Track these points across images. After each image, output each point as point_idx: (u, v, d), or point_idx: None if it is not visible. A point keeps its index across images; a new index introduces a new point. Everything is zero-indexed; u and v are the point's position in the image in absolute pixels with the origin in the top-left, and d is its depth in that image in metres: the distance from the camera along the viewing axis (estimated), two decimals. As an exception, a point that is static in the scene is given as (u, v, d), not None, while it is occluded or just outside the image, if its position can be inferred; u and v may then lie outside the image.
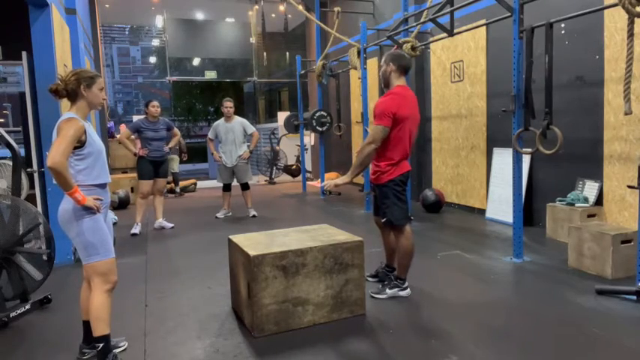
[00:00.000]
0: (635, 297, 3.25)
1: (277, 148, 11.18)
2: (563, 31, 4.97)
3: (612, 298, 3.31)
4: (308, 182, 10.11)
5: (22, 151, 4.35)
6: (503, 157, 5.89)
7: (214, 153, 6.76)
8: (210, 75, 13.79)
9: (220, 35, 12.77)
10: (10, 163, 4.22)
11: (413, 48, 5.83)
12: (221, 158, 6.65)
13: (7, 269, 3.29)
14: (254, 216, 6.75)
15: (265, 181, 11.25)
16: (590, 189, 4.79)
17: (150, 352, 2.78)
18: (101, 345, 2.50)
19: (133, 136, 6.12)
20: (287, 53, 13.96)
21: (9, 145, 3.86)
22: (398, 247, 3.48)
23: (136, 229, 5.92)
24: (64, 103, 4.76)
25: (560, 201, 4.98)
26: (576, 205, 4.73)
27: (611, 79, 4.52)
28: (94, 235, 2.49)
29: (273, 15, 12.89)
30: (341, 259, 3.07)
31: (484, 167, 6.30)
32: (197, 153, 17.21)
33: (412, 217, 5.83)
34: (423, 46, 6.18)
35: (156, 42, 14.35)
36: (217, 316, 3.28)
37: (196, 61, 14.09)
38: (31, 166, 4.50)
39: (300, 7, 8.95)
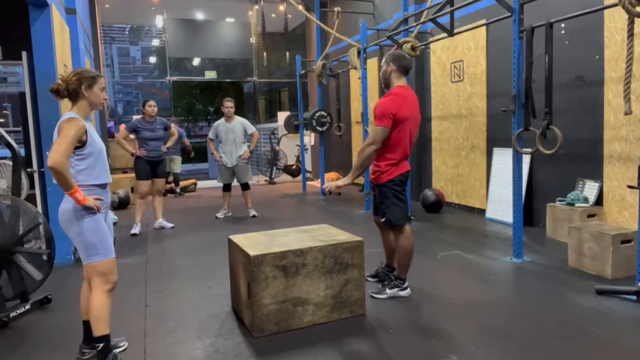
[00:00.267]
0: (635, 297, 3.25)
1: (277, 148, 11.18)
2: (563, 31, 4.97)
3: (612, 298, 3.31)
4: (308, 182, 10.11)
5: (22, 151, 4.35)
6: (503, 157, 5.89)
7: (214, 153, 6.76)
8: (210, 75, 13.79)
9: (220, 35, 12.77)
10: (10, 163, 4.22)
11: (413, 48, 5.83)
12: (221, 158, 6.65)
13: (7, 269, 3.29)
14: (254, 216, 6.75)
15: (265, 181, 11.25)
16: (590, 189, 4.79)
17: (150, 352, 2.78)
18: (101, 345, 2.50)
19: (131, 136, 6.11)
20: (287, 53, 13.96)
21: (9, 145, 3.86)
22: (398, 247, 3.48)
23: (135, 229, 5.92)
24: (64, 103, 4.76)
25: (560, 201, 4.98)
26: (576, 205, 4.73)
27: (611, 79, 4.52)
28: (94, 235, 2.49)
29: (273, 15, 12.89)
30: (341, 259, 3.07)
31: (484, 167, 6.30)
32: (197, 153, 17.21)
33: (412, 217, 5.83)
34: (423, 46, 6.17)
35: (156, 42, 14.35)
36: (217, 316, 3.28)
37: (196, 61, 14.09)
38: (31, 166, 4.50)
39: (300, 7, 8.95)
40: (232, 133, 6.57)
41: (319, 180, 9.48)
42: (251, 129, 6.69)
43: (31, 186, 4.57)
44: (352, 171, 3.40)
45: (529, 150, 4.31)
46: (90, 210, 2.47)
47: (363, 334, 2.91)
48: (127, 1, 11.85)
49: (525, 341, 2.76)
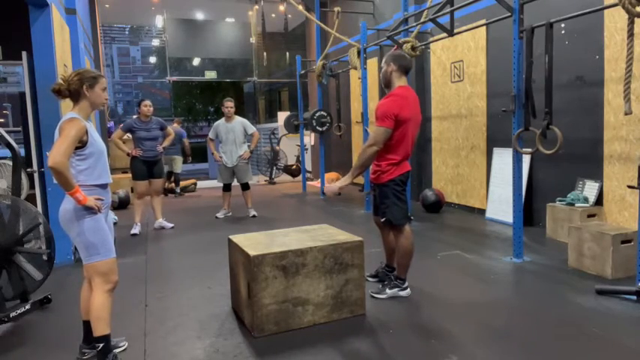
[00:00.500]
0: (635, 297, 3.25)
1: (277, 148, 11.18)
2: (563, 31, 4.97)
3: (612, 298, 3.31)
4: (308, 182, 10.11)
5: (22, 151, 4.35)
6: (503, 157, 5.89)
7: (215, 153, 6.76)
8: (210, 75, 13.80)
9: (220, 35, 12.77)
10: (10, 163, 4.22)
11: (413, 48, 5.83)
12: (221, 158, 6.65)
13: (7, 269, 3.29)
14: (254, 216, 6.75)
15: (265, 181, 11.25)
16: (590, 189, 4.79)
17: (150, 352, 2.78)
18: (101, 345, 2.50)
19: (127, 136, 6.08)
20: (287, 53, 13.97)
21: (9, 145, 3.86)
22: (398, 247, 3.48)
23: (135, 230, 5.92)
24: (64, 103, 4.76)
25: (560, 201, 4.98)
26: (576, 205, 4.73)
27: (611, 79, 4.52)
28: (94, 234, 2.49)
29: (273, 15, 12.89)
30: (341, 259, 3.07)
31: (484, 167, 6.30)
32: (197, 153, 17.22)
33: (412, 217, 5.83)
34: (423, 46, 6.17)
35: (156, 42, 14.36)
36: (217, 316, 3.28)
37: (196, 61, 14.09)
38: (31, 166, 4.50)
39: (300, 7, 8.95)
40: (232, 133, 6.57)
41: (319, 180, 9.49)
42: (251, 129, 6.69)
43: (31, 186, 4.57)
44: (352, 170, 3.40)
45: (529, 150, 4.31)
46: (90, 210, 2.47)
47: (363, 334, 2.91)
48: (127, 1, 11.85)
49: (525, 341, 2.76)
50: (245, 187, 6.79)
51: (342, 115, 8.87)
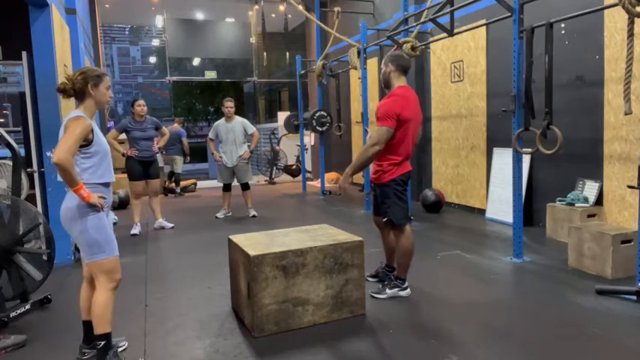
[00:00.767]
0: (635, 297, 3.25)
1: (277, 148, 11.18)
2: (563, 31, 4.96)
3: (612, 298, 3.31)
4: (308, 182, 10.12)
5: (22, 151, 4.35)
6: (503, 157, 5.89)
7: (215, 153, 6.76)
8: (210, 75, 13.79)
9: (220, 35, 12.77)
10: (10, 163, 4.22)
11: (413, 48, 5.83)
12: (221, 158, 6.65)
13: (7, 269, 3.29)
14: (254, 216, 6.75)
15: (265, 181, 11.25)
16: (590, 189, 4.79)
17: (150, 352, 2.78)
18: (102, 343, 2.51)
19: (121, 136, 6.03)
20: (287, 53, 13.96)
21: (9, 145, 3.85)
22: (398, 247, 3.48)
23: (135, 230, 5.91)
24: (64, 103, 4.77)
25: (560, 201, 4.98)
26: (576, 205, 4.73)
27: (611, 79, 4.52)
28: (98, 232, 2.49)
29: (273, 15, 12.88)
30: (341, 259, 3.07)
31: (484, 167, 6.30)
32: (197, 153, 17.21)
33: (412, 217, 5.83)
34: (423, 46, 6.17)
35: (156, 42, 14.35)
36: (217, 316, 3.28)
37: (196, 61, 14.09)
38: (31, 166, 4.50)
39: (300, 7, 8.95)
40: (232, 133, 6.57)
41: (319, 180, 9.49)
42: (251, 129, 6.69)
43: (31, 186, 4.57)
44: (351, 167, 3.35)
45: (529, 150, 4.31)
46: (94, 208, 2.47)
47: (363, 334, 2.91)
48: (127, 1, 11.85)
49: (525, 341, 2.76)
50: (245, 187, 6.79)
51: (342, 115, 8.87)
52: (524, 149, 4.27)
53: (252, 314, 2.89)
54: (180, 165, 9.69)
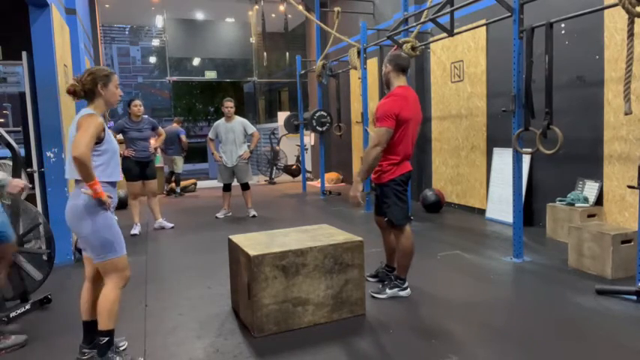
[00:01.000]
0: (635, 297, 3.25)
1: (277, 148, 11.18)
2: (563, 31, 4.97)
3: (612, 298, 3.31)
4: (308, 182, 10.12)
5: (22, 151, 4.35)
6: (503, 157, 5.89)
7: (215, 153, 6.76)
8: (210, 75, 13.78)
9: (220, 35, 12.77)
10: (10, 163, 4.22)
11: (413, 48, 5.83)
12: (221, 158, 6.66)
13: (8, 269, 3.29)
14: (254, 216, 6.75)
15: (265, 181, 11.25)
16: (590, 189, 4.79)
17: (150, 352, 2.78)
18: (106, 339, 2.52)
19: (118, 137, 6.02)
20: (287, 53, 13.95)
21: (9, 145, 3.85)
22: (398, 247, 3.48)
23: (135, 230, 5.91)
24: (64, 103, 4.77)
25: (560, 201, 4.98)
26: (576, 205, 4.73)
27: (611, 79, 4.52)
28: (109, 231, 2.50)
29: (273, 15, 12.87)
30: (341, 259, 3.07)
31: (484, 167, 6.30)
32: (197, 153, 17.21)
33: (412, 217, 5.83)
34: (423, 46, 6.18)
35: (156, 42, 14.33)
36: (217, 316, 3.28)
37: (196, 61, 14.08)
38: (31, 166, 4.50)
39: (300, 7, 8.95)
40: (232, 133, 6.57)
41: (319, 180, 9.49)
42: (251, 129, 6.69)
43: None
44: (360, 173, 3.36)
45: (529, 150, 4.31)
46: (102, 206, 2.45)
47: (363, 334, 2.91)
48: (127, 1, 11.84)
49: (525, 341, 2.76)
50: (245, 187, 6.79)
51: (342, 115, 8.87)
52: (524, 149, 4.27)
53: (252, 314, 2.89)
54: (180, 165, 9.68)
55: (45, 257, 3.58)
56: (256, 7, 12.49)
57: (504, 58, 5.46)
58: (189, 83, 20.18)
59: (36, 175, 4.52)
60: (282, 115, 11.11)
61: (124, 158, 5.85)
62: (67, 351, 2.75)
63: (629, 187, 3.76)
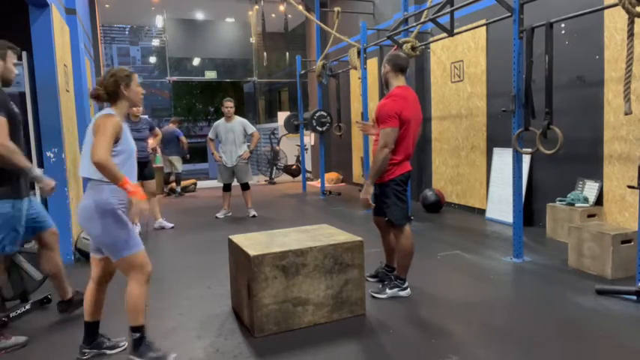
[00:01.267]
0: (635, 297, 3.25)
1: (277, 148, 11.18)
2: (563, 31, 4.97)
3: (612, 298, 3.31)
4: (308, 182, 10.12)
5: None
6: (503, 157, 5.89)
7: (214, 153, 6.76)
8: (210, 75, 13.78)
9: (220, 35, 12.77)
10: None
11: (413, 48, 5.83)
12: (221, 158, 6.66)
13: (7, 269, 3.28)
14: (254, 216, 6.75)
15: (265, 181, 11.26)
16: (590, 189, 4.79)
17: (150, 352, 2.78)
18: (137, 335, 2.54)
19: None
20: (287, 53, 13.95)
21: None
22: (398, 247, 3.48)
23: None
24: (64, 103, 4.77)
25: (560, 201, 4.98)
26: (576, 205, 4.73)
27: (611, 79, 4.52)
28: (123, 229, 2.50)
29: (273, 15, 12.87)
30: (341, 259, 3.07)
31: (484, 167, 6.30)
32: (197, 153, 17.21)
33: (412, 217, 5.83)
34: (423, 46, 6.18)
35: (156, 42, 14.32)
36: (217, 316, 3.28)
37: (196, 61, 14.08)
38: (31, 166, 4.49)
39: (300, 7, 8.95)
40: (232, 133, 6.57)
41: (319, 180, 9.49)
42: (251, 129, 6.69)
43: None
44: (370, 177, 3.36)
45: (529, 150, 4.31)
46: (140, 206, 2.43)
47: (363, 334, 2.91)
48: (127, 1, 11.83)
49: (525, 341, 2.76)
50: (245, 187, 6.79)
51: (342, 115, 8.87)
52: (524, 149, 4.27)
53: (252, 314, 2.89)
54: (179, 165, 9.68)
55: (45, 257, 3.57)
56: (256, 7, 12.49)
57: (504, 58, 5.46)
58: (189, 83, 20.18)
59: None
60: (282, 115, 11.11)
61: None
62: (67, 351, 2.75)
63: (629, 187, 3.76)
